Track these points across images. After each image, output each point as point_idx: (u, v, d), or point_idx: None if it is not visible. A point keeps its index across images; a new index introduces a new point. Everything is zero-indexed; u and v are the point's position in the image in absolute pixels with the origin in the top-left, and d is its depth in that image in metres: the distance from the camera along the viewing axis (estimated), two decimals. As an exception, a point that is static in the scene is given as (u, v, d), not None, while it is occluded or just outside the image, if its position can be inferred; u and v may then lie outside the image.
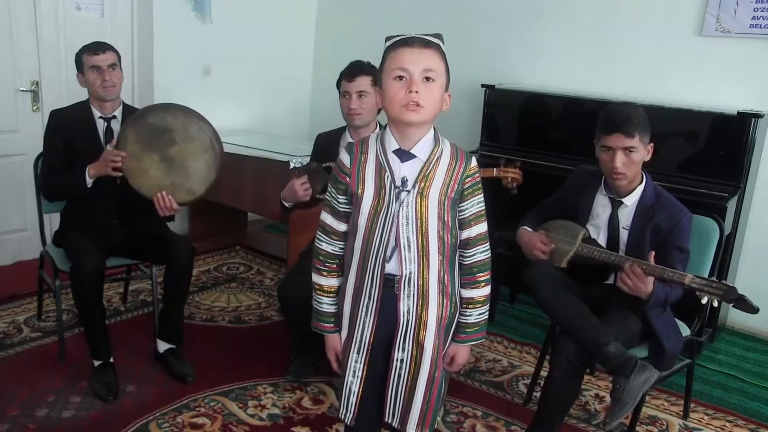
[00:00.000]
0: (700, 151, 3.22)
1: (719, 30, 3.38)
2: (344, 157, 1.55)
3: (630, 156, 2.15)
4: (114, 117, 2.68)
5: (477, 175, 1.55)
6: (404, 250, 1.50)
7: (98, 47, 2.59)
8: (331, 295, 1.63)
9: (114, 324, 3.03)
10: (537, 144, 3.64)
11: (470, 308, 1.60)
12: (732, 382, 2.96)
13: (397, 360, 1.57)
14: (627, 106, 2.24)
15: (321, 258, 1.62)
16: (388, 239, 1.50)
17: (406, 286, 1.52)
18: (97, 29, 3.72)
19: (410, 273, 1.51)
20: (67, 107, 2.72)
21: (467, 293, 1.59)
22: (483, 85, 3.81)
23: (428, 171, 1.49)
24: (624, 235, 2.27)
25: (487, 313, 1.63)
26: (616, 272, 2.18)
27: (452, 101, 1.52)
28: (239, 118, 4.59)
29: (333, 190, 1.58)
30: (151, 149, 2.50)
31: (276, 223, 4.76)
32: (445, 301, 1.55)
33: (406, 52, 1.43)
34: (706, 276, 2.18)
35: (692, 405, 2.63)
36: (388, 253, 1.50)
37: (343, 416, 1.64)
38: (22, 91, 3.56)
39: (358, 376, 1.60)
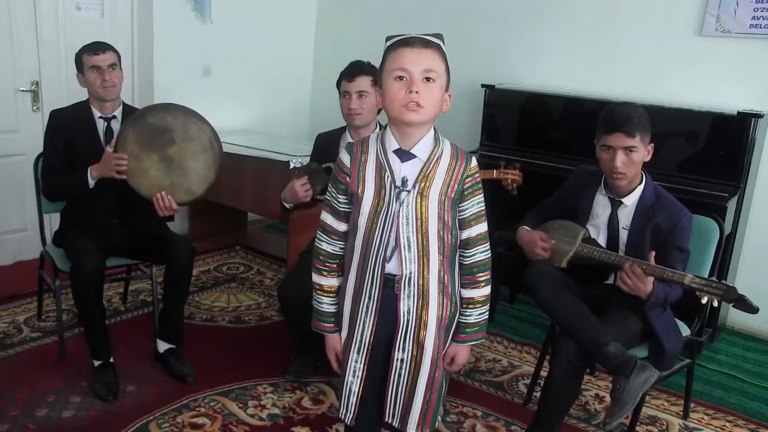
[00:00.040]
0: (700, 151, 3.22)
1: (719, 30, 3.38)
2: (344, 157, 1.55)
3: (630, 156, 2.15)
4: (114, 117, 2.68)
5: (477, 175, 1.54)
6: (404, 250, 1.50)
7: (98, 47, 2.59)
8: (331, 295, 1.63)
9: (114, 324, 3.03)
10: (537, 144, 3.64)
11: (470, 308, 1.60)
12: (732, 382, 2.96)
13: (397, 360, 1.57)
14: (628, 106, 2.24)
15: (321, 258, 1.62)
16: (389, 239, 1.50)
17: (407, 286, 1.52)
18: (97, 29, 3.72)
19: (410, 273, 1.51)
20: (67, 107, 2.72)
21: (467, 293, 1.59)
22: (483, 85, 3.81)
23: (428, 171, 1.49)
24: (624, 235, 2.27)
25: (487, 313, 1.63)
26: (616, 272, 2.18)
27: (452, 101, 1.52)
28: (239, 118, 4.59)
29: (333, 190, 1.58)
30: (150, 149, 2.50)
31: (276, 223, 4.76)
32: (445, 301, 1.55)
33: (407, 53, 1.43)
34: (706, 276, 2.18)
35: (692, 405, 2.63)
36: (389, 253, 1.50)
37: (343, 416, 1.64)
38: (22, 91, 3.56)
39: (358, 376, 1.60)
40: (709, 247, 2.36)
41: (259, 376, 2.67)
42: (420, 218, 1.50)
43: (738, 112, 3.07)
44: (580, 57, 3.84)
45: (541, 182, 2.83)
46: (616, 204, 2.27)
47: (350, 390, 1.60)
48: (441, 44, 1.48)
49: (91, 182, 2.52)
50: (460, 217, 1.55)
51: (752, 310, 2.00)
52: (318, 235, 1.62)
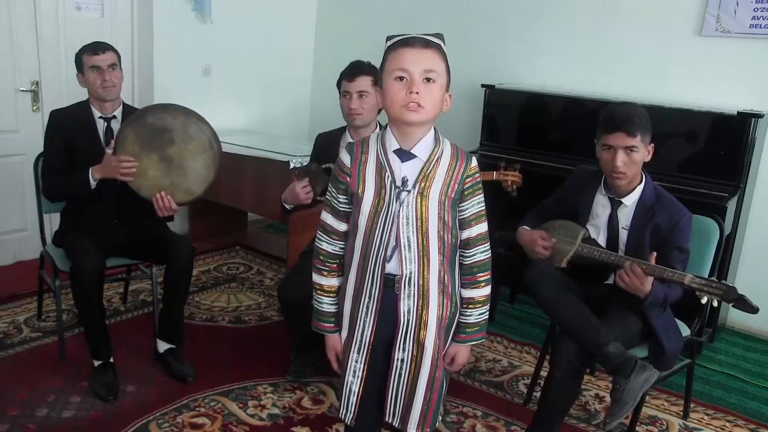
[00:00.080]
0: (700, 151, 3.22)
1: (719, 30, 3.38)
2: (345, 157, 1.55)
3: (631, 155, 2.15)
4: (114, 117, 2.68)
5: (477, 175, 1.54)
6: (404, 249, 1.50)
7: (98, 47, 2.59)
8: (331, 294, 1.63)
9: (114, 324, 3.03)
10: (537, 144, 3.64)
11: (470, 308, 1.60)
12: (732, 382, 2.96)
13: (397, 360, 1.57)
14: (629, 106, 2.24)
15: (321, 258, 1.62)
16: (389, 239, 1.50)
17: (407, 286, 1.52)
18: (97, 29, 3.72)
19: (410, 273, 1.51)
20: (67, 107, 2.72)
21: (467, 293, 1.59)
22: (483, 85, 3.81)
23: (428, 171, 1.49)
24: (623, 235, 2.27)
25: (488, 313, 1.63)
26: (616, 272, 2.18)
27: (452, 101, 1.52)
28: (239, 118, 4.59)
29: (333, 190, 1.58)
30: (150, 149, 2.50)
31: (276, 223, 4.76)
32: (445, 301, 1.55)
33: (407, 53, 1.43)
34: (706, 276, 2.18)
35: (692, 405, 2.63)
36: (389, 253, 1.50)
37: (343, 416, 1.64)
38: (22, 91, 3.56)
39: (358, 376, 1.59)
40: (709, 247, 2.36)
41: (259, 376, 2.67)
42: (420, 218, 1.50)
43: (738, 112, 3.07)
44: (580, 57, 3.84)
45: (541, 182, 2.83)
46: (615, 204, 2.27)
47: (350, 390, 1.60)
48: (441, 44, 1.47)
49: (93, 183, 2.52)
50: (461, 217, 1.55)
51: (752, 310, 2.01)
52: (318, 235, 1.62)
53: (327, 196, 1.60)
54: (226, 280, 3.72)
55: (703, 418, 2.62)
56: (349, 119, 2.56)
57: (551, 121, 3.69)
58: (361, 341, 1.57)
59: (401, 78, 1.44)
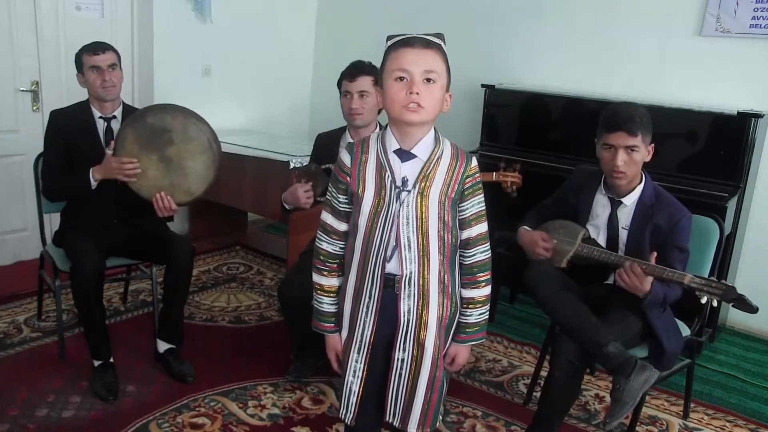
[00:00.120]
0: (700, 151, 3.22)
1: (719, 30, 3.38)
2: (345, 157, 1.55)
3: (632, 155, 2.15)
4: (114, 117, 2.68)
5: (477, 175, 1.54)
6: (405, 249, 1.50)
7: (98, 47, 2.59)
8: (331, 294, 1.63)
9: (114, 324, 3.03)
10: (537, 144, 3.64)
11: (471, 308, 1.60)
12: (732, 382, 2.96)
13: (397, 360, 1.57)
14: (630, 105, 2.24)
15: (321, 258, 1.62)
16: (389, 239, 1.50)
17: (407, 286, 1.52)
18: (97, 29, 3.72)
19: (411, 273, 1.51)
20: (67, 107, 2.72)
21: (468, 293, 1.59)
22: (483, 85, 3.81)
23: (429, 171, 1.49)
24: (623, 234, 2.27)
25: (488, 313, 1.63)
26: (616, 272, 2.18)
27: (452, 101, 1.52)
28: (239, 118, 4.59)
29: (333, 190, 1.58)
30: (149, 150, 2.50)
31: (276, 223, 4.75)
32: (445, 301, 1.55)
33: (407, 53, 1.43)
34: (705, 276, 2.18)
35: (692, 405, 2.63)
36: (389, 253, 1.50)
37: (343, 416, 1.64)
38: (22, 91, 3.56)
39: (358, 376, 1.59)
40: (709, 247, 2.36)
41: (259, 376, 2.67)
42: (420, 218, 1.50)
43: (738, 112, 3.07)
44: (580, 57, 3.84)
45: (541, 182, 2.83)
46: (615, 204, 2.27)
47: (350, 390, 1.60)
48: (442, 44, 1.47)
49: (94, 183, 2.52)
50: (461, 217, 1.55)
51: (752, 309, 2.01)
52: (318, 235, 1.62)
53: (327, 196, 1.60)
54: (226, 280, 3.72)
55: (703, 418, 2.62)
56: (350, 119, 2.56)
57: (551, 121, 3.69)
58: (361, 341, 1.57)
59: (401, 78, 1.44)
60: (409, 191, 1.49)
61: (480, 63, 4.09)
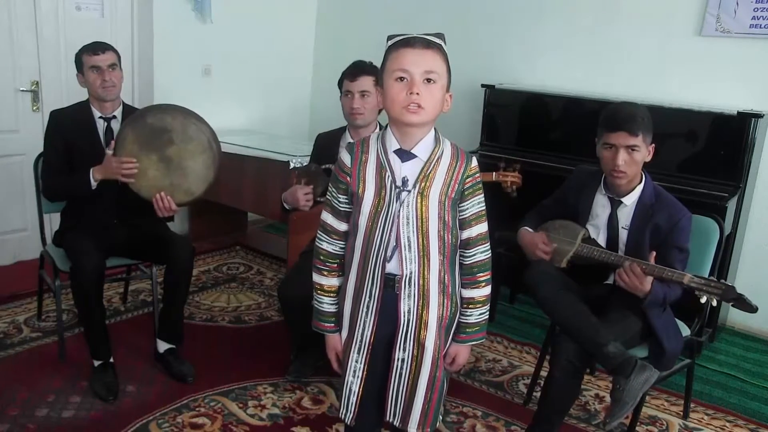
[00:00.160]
0: (700, 151, 3.22)
1: (719, 30, 3.38)
2: (345, 157, 1.55)
3: (632, 155, 2.15)
4: (114, 117, 2.68)
5: (477, 175, 1.55)
6: (405, 249, 1.50)
7: (98, 47, 2.59)
8: (331, 294, 1.63)
9: (114, 324, 3.03)
10: (537, 144, 3.64)
11: (471, 308, 1.60)
12: (732, 382, 2.96)
13: (398, 360, 1.57)
14: (631, 105, 2.24)
15: (321, 258, 1.62)
16: (389, 239, 1.50)
17: (407, 286, 1.52)
18: (97, 29, 3.72)
19: (411, 273, 1.51)
20: (67, 107, 2.72)
21: (468, 293, 1.59)
22: (483, 85, 3.81)
23: (429, 171, 1.49)
24: (623, 234, 2.27)
25: (488, 313, 1.63)
26: (616, 272, 2.18)
27: (452, 101, 1.52)
28: (239, 118, 4.59)
29: (333, 190, 1.58)
30: (149, 150, 2.50)
31: (276, 223, 4.75)
32: (445, 301, 1.55)
33: (408, 53, 1.43)
34: (705, 276, 2.18)
35: (692, 405, 2.63)
36: (389, 253, 1.50)
37: (343, 416, 1.64)
38: (22, 91, 3.55)
39: (358, 376, 1.59)
40: (709, 247, 2.36)
41: (259, 376, 2.67)
42: (420, 218, 1.50)
43: (738, 112, 3.07)
44: (580, 57, 3.84)
45: (541, 182, 2.83)
46: (615, 204, 2.27)
47: (350, 390, 1.60)
48: (442, 44, 1.47)
49: (94, 183, 2.52)
50: (461, 217, 1.55)
51: (751, 309, 2.01)
52: (318, 235, 1.62)
53: (327, 196, 1.60)
54: (226, 280, 3.72)
55: (703, 418, 2.62)
56: (351, 119, 2.56)
57: (551, 121, 3.69)
58: (361, 341, 1.57)
59: (402, 78, 1.43)
60: (409, 191, 1.49)
61: (480, 63, 4.09)
